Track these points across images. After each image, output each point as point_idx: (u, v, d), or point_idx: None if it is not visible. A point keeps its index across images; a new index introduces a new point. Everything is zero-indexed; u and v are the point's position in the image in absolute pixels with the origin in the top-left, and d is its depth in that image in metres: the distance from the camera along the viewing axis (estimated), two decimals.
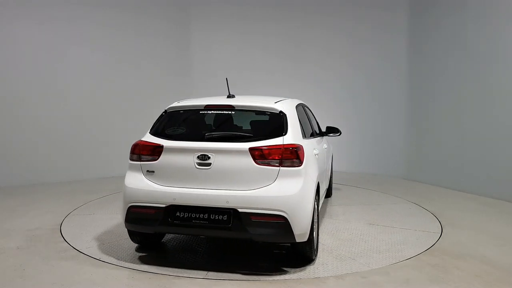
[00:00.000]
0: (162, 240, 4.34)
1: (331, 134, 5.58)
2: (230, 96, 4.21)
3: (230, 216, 3.39)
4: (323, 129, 5.64)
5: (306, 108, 5.11)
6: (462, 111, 7.29)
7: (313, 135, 4.72)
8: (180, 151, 3.58)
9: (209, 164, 3.48)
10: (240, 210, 3.36)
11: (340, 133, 5.66)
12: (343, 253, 4.02)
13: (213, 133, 3.75)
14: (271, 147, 3.46)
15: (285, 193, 3.38)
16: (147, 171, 3.65)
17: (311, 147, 4.02)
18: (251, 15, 8.79)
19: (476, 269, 3.72)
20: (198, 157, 3.50)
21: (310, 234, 3.55)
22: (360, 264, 3.74)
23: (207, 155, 3.49)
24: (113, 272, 3.52)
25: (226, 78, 4.53)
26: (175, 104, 4.02)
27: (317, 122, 5.59)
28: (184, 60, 8.72)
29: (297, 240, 3.42)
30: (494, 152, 6.65)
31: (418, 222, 5.09)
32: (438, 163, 7.81)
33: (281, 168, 3.43)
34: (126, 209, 3.65)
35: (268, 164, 3.43)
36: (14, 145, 7.18)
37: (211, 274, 3.51)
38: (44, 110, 7.40)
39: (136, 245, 4.21)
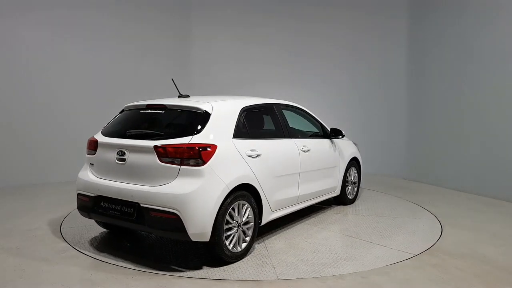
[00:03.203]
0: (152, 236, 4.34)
1: (340, 136, 5.52)
2: (181, 96, 4.45)
3: (135, 210, 3.59)
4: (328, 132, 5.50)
5: (286, 108, 5.00)
6: (462, 111, 7.30)
7: (283, 136, 4.62)
8: (107, 147, 3.91)
9: (124, 160, 3.73)
10: (142, 205, 3.54)
11: (343, 135, 5.55)
12: (273, 261, 3.80)
13: (132, 131, 3.94)
14: (173, 146, 3.52)
15: (179, 191, 3.42)
16: (90, 163, 4.09)
17: (245, 148, 3.94)
18: (251, 16, 8.75)
19: (476, 269, 3.72)
20: (117, 153, 3.78)
21: (216, 235, 3.52)
22: (272, 274, 3.51)
23: (123, 151, 3.75)
24: (113, 272, 3.52)
25: (172, 79, 4.80)
26: (131, 103, 4.32)
27: (320, 124, 5.45)
28: (184, 60, 8.71)
29: (193, 239, 3.46)
30: (494, 152, 6.66)
31: (406, 241, 4.41)
32: (438, 163, 7.82)
33: (182, 166, 3.48)
34: (76, 196, 4.11)
35: (171, 162, 3.50)
36: (14, 145, 7.18)
37: (211, 274, 3.51)
38: (45, 110, 7.39)
39: (136, 245, 4.22)
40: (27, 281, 3.35)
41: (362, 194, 6.65)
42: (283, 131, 4.69)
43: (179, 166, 3.48)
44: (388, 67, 8.83)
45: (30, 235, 4.48)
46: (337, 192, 5.70)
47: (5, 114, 7.10)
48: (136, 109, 4.22)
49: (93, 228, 4.72)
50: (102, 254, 3.94)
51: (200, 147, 3.52)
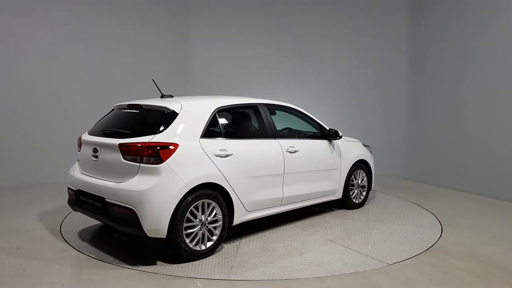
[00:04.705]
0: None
1: (337, 138, 5.28)
2: (164, 96, 4.57)
3: (102, 204, 3.80)
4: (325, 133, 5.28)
5: (278, 108, 4.95)
6: (462, 111, 7.30)
7: (266, 136, 4.53)
8: (87, 144, 4.17)
9: (97, 157, 3.96)
10: (107, 200, 3.73)
11: (340, 136, 5.30)
12: (234, 262, 3.78)
13: (106, 129, 4.14)
14: (134, 144, 3.66)
15: (136, 188, 3.54)
16: (78, 159, 4.40)
17: (213, 148, 3.93)
18: (250, 17, 8.71)
19: (476, 269, 3.72)
20: (92, 150, 4.02)
21: (173, 232, 3.59)
22: (224, 274, 3.50)
23: (97, 149, 3.98)
24: (113, 272, 3.52)
25: (153, 79, 4.92)
26: (119, 103, 4.50)
27: (319, 125, 5.27)
28: (184, 59, 8.69)
29: (149, 235, 3.56)
30: (494, 152, 6.66)
31: (389, 249, 4.14)
32: (438, 163, 7.82)
33: (141, 164, 3.60)
34: (67, 190, 4.40)
35: (132, 160, 3.64)
36: (14, 145, 7.18)
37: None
38: (44, 110, 7.39)
39: (136, 245, 4.23)
40: (27, 281, 3.35)
41: (375, 198, 6.44)
42: (267, 131, 4.59)
43: (139, 164, 3.60)
44: (387, 67, 8.82)
45: (30, 235, 4.48)
46: (337, 195, 5.48)
47: (5, 114, 7.10)
48: (120, 108, 4.42)
49: (93, 228, 4.73)
50: (102, 254, 3.94)
51: (158, 146, 3.60)
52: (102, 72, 7.86)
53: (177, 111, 3.90)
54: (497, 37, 6.58)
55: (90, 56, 7.72)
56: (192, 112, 4.01)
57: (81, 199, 4.10)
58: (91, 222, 4.91)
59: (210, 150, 3.92)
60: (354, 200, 5.75)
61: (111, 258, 3.82)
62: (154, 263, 3.72)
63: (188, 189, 3.65)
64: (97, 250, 4.04)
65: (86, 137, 4.25)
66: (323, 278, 3.47)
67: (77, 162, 4.41)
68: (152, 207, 3.50)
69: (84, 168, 4.19)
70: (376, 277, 3.49)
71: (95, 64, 7.78)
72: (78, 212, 4.27)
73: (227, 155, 4.03)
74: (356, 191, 5.77)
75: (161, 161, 3.58)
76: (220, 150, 4.00)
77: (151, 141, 3.63)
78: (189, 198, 3.68)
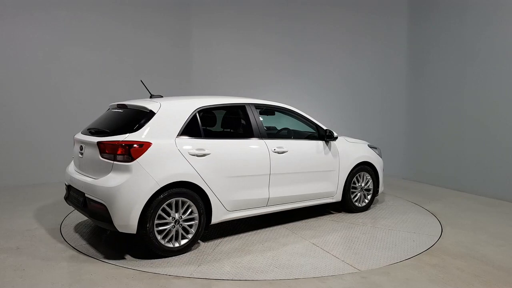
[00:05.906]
0: None
1: (332, 138, 5.13)
2: (153, 96, 4.68)
3: (83, 199, 3.98)
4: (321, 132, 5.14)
5: (271, 108, 4.95)
6: (462, 111, 7.31)
7: (252, 136, 4.50)
8: (77, 142, 4.42)
9: (82, 154, 4.18)
10: (86, 195, 3.92)
11: (334, 138, 5.15)
12: (204, 260, 3.80)
13: (92, 128, 4.32)
14: (108, 142, 3.80)
15: (107, 184, 3.69)
16: (72, 157, 4.64)
17: (190, 147, 3.97)
18: (251, 18, 8.71)
19: (476, 269, 3.72)
20: (79, 147, 4.26)
21: (144, 229, 3.69)
22: (188, 272, 3.52)
23: (82, 146, 4.21)
24: (113, 272, 3.52)
25: (141, 80, 5.10)
26: (113, 103, 4.66)
27: (316, 126, 5.13)
28: (184, 59, 8.70)
29: (120, 230, 3.70)
30: (494, 152, 6.66)
31: (371, 255, 3.98)
32: (438, 163, 7.83)
33: (115, 162, 3.74)
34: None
35: (108, 158, 3.79)
36: (15, 145, 7.18)
37: (210, 274, 3.52)
38: (44, 110, 7.39)
39: (136, 245, 4.23)
40: (27, 281, 3.35)
41: (376, 199, 6.29)
42: (253, 132, 4.54)
43: (113, 162, 3.74)
44: (388, 67, 8.83)
45: (30, 235, 4.48)
46: (336, 198, 5.29)
47: (5, 114, 7.10)
48: (111, 108, 4.61)
49: (93, 228, 4.73)
50: (102, 254, 3.95)
51: (129, 144, 3.71)
52: (103, 72, 7.86)
53: (154, 110, 4.00)
54: (497, 37, 6.58)
55: (90, 56, 7.70)
56: (170, 111, 4.09)
57: (71, 194, 4.33)
58: (91, 222, 4.90)
59: (186, 149, 3.96)
60: (356, 204, 5.53)
61: (111, 258, 3.82)
62: (154, 263, 3.73)
63: (159, 187, 3.73)
64: (97, 250, 4.04)
65: (77, 135, 4.48)
66: (323, 278, 3.47)
67: (73, 159, 4.64)
68: (121, 203, 3.62)
69: (75, 165, 4.46)
70: (376, 277, 3.49)
71: (95, 64, 7.77)
72: (78, 212, 4.32)
73: (204, 155, 4.05)
74: (358, 194, 5.55)
75: (132, 159, 3.68)
76: (197, 149, 4.02)
77: (124, 139, 3.74)
78: (161, 196, 3.75)
